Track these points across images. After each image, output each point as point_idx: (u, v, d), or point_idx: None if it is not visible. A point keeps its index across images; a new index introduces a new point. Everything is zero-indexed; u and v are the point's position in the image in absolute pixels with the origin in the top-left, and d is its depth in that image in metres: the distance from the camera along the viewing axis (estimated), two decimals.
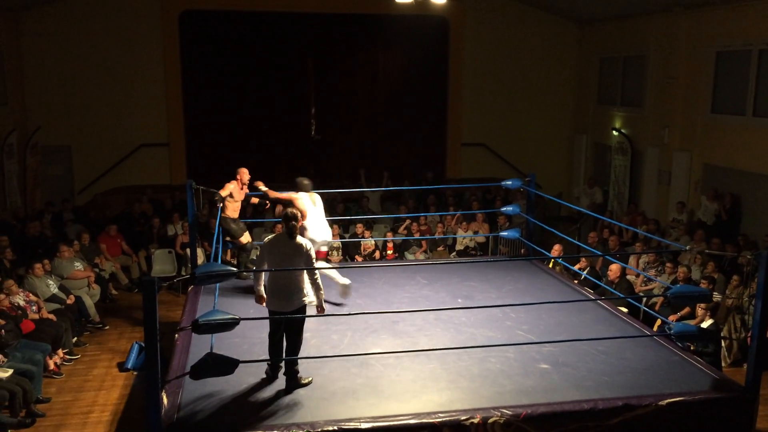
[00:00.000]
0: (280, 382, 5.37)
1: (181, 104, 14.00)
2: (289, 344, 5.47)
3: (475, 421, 4.83)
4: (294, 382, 5.33)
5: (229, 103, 14.39)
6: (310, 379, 5.42)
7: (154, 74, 13.73)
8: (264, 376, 5.49)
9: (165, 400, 4.96)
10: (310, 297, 5.67)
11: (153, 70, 13.71)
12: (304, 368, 5.51)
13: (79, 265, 9.51)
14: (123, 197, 13.48)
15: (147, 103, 13.79)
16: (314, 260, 5.53)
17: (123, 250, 11.18)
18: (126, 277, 10.94)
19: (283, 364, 5.46)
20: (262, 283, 5.56)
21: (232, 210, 8.02)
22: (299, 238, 5.46)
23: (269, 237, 5.63)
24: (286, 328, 5.46)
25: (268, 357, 5.56)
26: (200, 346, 5.69)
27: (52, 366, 7.69)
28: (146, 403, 4.62)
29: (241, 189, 8.04)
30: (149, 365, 4.58)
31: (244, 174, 8.02)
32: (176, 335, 6.17)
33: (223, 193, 7.78)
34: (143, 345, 7.19)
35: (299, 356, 5.52)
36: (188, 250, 9.31)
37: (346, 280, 7.31)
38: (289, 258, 5.40)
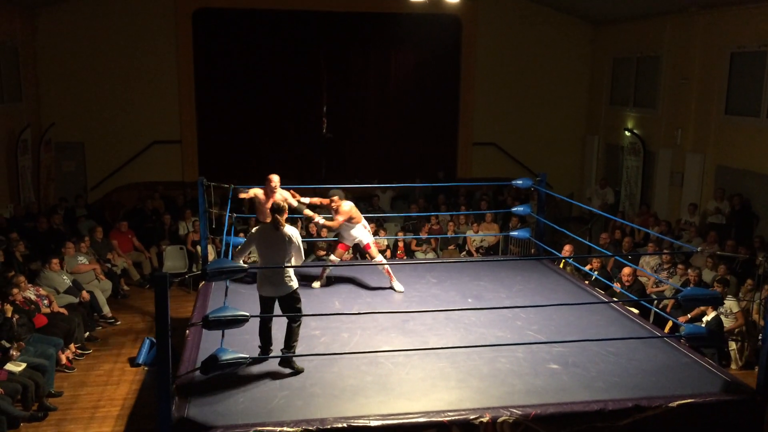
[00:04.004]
0: (291, 380, 5.40)
1: (193, 101, 14.06)
2: (290, 327, 5.67)
3: (485, 420, 4.83)
4: (287, 364, 5.53)
5: (241, 101, 14.44)
6: (302, 367, 5.56)
7: (167, 71, 13.80)
8: (272, 370, 5.54)
9: (176, 395, 4.99)
10: (296, 283, 5.77)
11: (166, 67, 13.78)
12: (314, 365, 5.56)
13: (83, 259, 9.58)
14: (135, 194, 13.55)
15: (160, 100, 13.85)
16: (302, 248, 5.75)
17: (135, 246, 11.26)
18: (137, 273, 11.01)
19: (273, 346, 5.75)
20: (241, 259, 5.97)
21: (264, 214, 7.50)
22: (286, 228, 5.65)
23: (257, 227, 5.88)
24: (285, 315, 5.69)
25: (275, 352, 5.73)
26: (211, 342, 5.73)
27: (64, 360, 7.76)
28: (157, 397, 4.65)
29: (269, 197, 7.48)
30: (160, 360, 4.62)
31: (271, 181, 7.49)
32: (187, 331, 6.21)
33: (242, 195, 7.72)
34: (154, 340, 7.25)
35: (311, 353, 5.57)
36: (199, 247, 9.36)
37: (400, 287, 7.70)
38: (276, 247, 5.63)
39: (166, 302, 4.50)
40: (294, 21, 14.22)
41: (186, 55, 13.82)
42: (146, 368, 7.83)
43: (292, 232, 5.68)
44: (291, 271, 5.67)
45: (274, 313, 5.75)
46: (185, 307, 9.19)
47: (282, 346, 5.67)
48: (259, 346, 5.78)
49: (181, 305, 9.40)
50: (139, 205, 12.76)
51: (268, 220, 7.58)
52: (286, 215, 5.73)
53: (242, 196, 7.76)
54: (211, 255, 9.91)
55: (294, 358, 5.56)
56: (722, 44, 11.18)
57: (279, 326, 6.04)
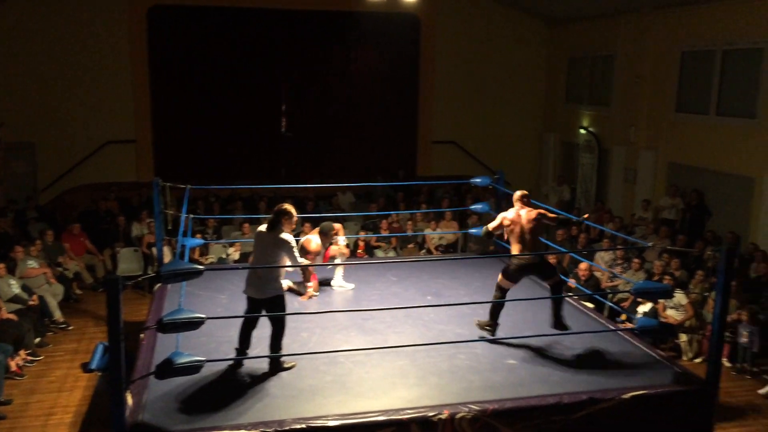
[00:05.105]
0: (248, 381, 5.35)
1: (148, 100, 13.81)
2: (272, 331, 5.58)
3: (443, 417, 4.85)
4: (276, 366, 5.48)
5: (198, 100, 14.23)
6: (293, 363, 5.54)
7: (121, 70, 13.51)
8: (231, 375, 5.48)
9: (130, 401, 4.89)
10: (280, 289, 5.64)
11: (120, 65, 13.50)
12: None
13: (32, 263, 9.30)
14: (88, 195, 13.23)
15: (113, 99, 13.56)
16: (296, 254, 5.60)
17: (88, 249, 10.98)
18: (91, 277, 10.74)
19: (249, 349, 5.71)
20: None
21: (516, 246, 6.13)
22: (279, 232, 5.55)
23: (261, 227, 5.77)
24: (268, 317, 5.62)
25: (234, 356, 5.66)
26: (166, 345, 5.62)
27: (14, 367, 7.53)
28: (110, 403, 4.54)
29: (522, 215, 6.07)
30: (113, 365, 4.51)
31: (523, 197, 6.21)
32: (142, 334, 6.09)
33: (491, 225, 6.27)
34: (107, 345, 7.07)
35: (269, 355, 5.50)
36: (154, 249, 9.18)
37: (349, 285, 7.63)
38: (266, 249, 5.56)
39: (118, 306, 4.40)
40: (251, 18, 14.09)
41: (140, 53, 13.57)
42: (99, 374, 7.64)
43: (286, 236, 5.54)
44: (275, 275, 5.53)
45: (256, 317, 5.63)
46: (141, 310, 9.00)
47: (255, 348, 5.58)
48: (236, 348, 5.68)
49: (136, 308, 9.21)
50: (93, 207, 12.45)
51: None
52: (291, 222, 5.56)
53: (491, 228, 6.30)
54: (167, 257, 9.72)
55: (281, 358, 5.54)
56: (673, 43, 11.47)
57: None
